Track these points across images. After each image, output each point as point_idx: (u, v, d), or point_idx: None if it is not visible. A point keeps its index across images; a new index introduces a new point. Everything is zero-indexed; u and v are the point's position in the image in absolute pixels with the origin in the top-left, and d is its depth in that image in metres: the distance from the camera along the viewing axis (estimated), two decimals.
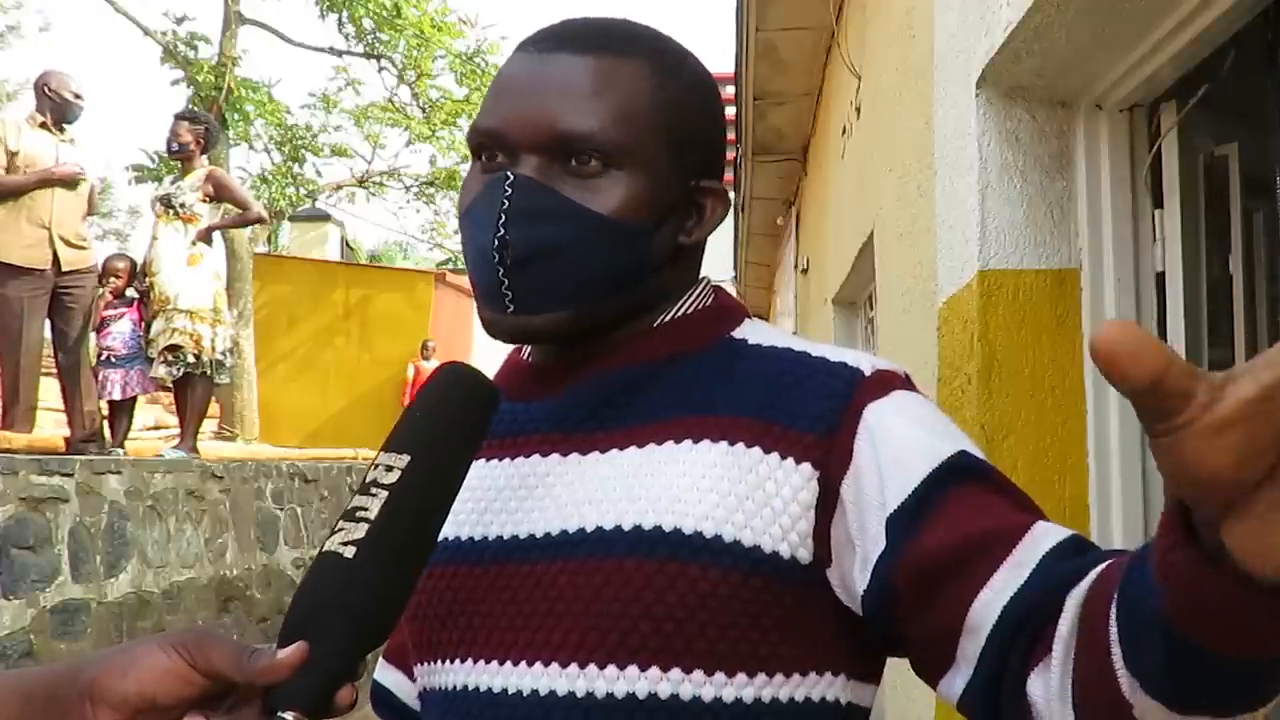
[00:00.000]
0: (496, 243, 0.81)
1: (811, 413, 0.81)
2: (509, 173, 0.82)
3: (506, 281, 0.82)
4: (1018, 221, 2.09)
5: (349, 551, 0.70)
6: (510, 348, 0.95)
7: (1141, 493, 2.05)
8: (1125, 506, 2.03)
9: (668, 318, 0.89)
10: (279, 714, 0.67)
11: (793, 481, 0.79)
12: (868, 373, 0.83)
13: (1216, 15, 1.70)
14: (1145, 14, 1.76)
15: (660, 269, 0.87)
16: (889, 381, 0.83)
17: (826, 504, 0.79)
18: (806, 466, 0.79)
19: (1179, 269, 2.03)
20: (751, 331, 0.91)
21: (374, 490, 0.73)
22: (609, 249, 0.83)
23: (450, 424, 0.77)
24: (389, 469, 0.73)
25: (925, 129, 2.59)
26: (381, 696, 1.02)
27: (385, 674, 1.02)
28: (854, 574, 0.79)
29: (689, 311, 0.90)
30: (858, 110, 3.97)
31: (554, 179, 0.83)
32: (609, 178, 0.83)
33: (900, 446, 0.79)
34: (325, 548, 0.71)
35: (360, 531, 0.71)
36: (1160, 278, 2.07)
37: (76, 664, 0.69)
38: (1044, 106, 2.11)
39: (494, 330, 0.85)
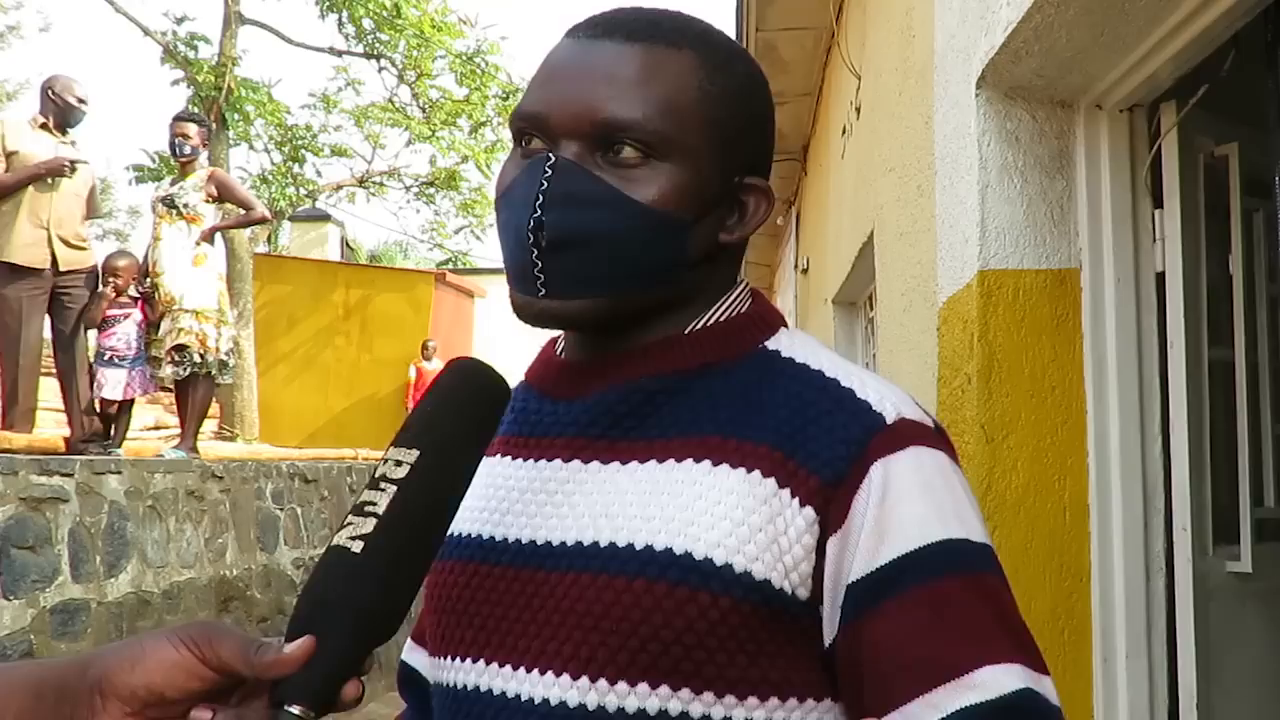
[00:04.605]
0: (532, 224, 0.80)
1: (824, 455, 0.79)
2: (550, 154, 0.82)
3: (540, 264, 0.81)
4: (1018, 221, 2.09)
5: (357, 546, 0.70)
6: (544, 340, 0.95)
7: (1141, 493, 2.05)
8: (1125, 506, 2.03)
9: (700, 324, 0.87)
10: (286, 708, 0.67)
11: (798, 524, 0.78)
12: (889, 420, 0.80)
13: (1216, 15, 1.70)
14: (1145, 14, 1.75)
15: (698, 265, 0.85)
16: (909, 434, 0.80)
17: (819, 551, 0.78)
18: (810, 510, 0.78)
19: (1179, 269, 2.03)
20: (786, 343, 0.88)
21: (383, 485, 0.72)
22: (646, 239, 0.82)
23: (460, 420, 0.76)
24: (399, 464, 0.73)
25: (925, 129, 2.59)
26: (408, 675, 1.01)
27: (412, 654, 1.01)
28: (827, 624, 0.79)
29: (723, 318, 0.87)
30: (858, 110, 3.97)
31: (594, 166, 0.81)
32: (649, 168, 0.81)
33: (890, 516, 0.77)
34: (334, 542, 0.71)
35: (369, 527, 0.71)
36: (1160, 278, 2.07)
37: (85, 657, 0.70)
38: (1044, 106, 2.11)
39: (524, 314, 0.83)
